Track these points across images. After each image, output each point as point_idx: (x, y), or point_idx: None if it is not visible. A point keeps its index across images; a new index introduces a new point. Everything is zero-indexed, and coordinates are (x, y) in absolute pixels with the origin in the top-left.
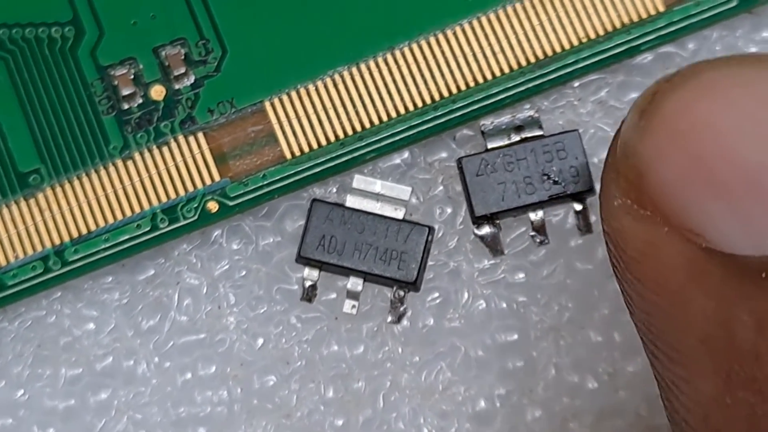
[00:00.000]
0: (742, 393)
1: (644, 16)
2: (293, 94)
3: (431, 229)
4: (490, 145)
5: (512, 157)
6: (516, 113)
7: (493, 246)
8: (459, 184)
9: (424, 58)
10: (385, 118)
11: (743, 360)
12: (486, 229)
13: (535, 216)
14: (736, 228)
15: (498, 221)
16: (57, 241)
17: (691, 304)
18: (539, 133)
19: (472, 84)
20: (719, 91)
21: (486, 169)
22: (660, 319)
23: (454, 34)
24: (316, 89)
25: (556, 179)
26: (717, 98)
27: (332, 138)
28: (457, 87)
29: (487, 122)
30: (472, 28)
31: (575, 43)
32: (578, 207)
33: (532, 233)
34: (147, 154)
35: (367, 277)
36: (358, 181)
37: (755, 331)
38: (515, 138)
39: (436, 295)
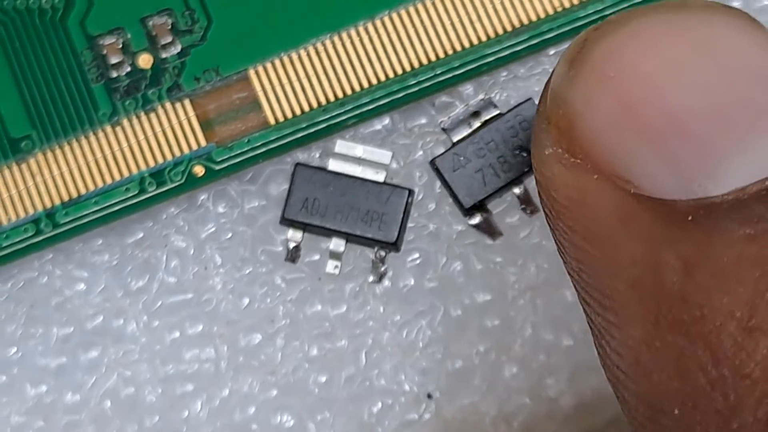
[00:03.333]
0: (670, 335)
1: None
2: (276, 62)
3: (411, 192)
4: (455, 139)
5: (480, 143)
6: (468, 101)
7: (490, 230)
8: (440, 147)
9: (404, 26)
10: (366, 84)
11: (671, 303)
12: (478, 218)
13: (519, 190)
14: (663, 172)
15: (487, 206)
16: (48, 204)
17: (621, 249)
18: (496, 112)
19: (450, 52)
20: (646, 37)
21: (460, 162)
22: (591, 266)
23: (433, 3)
24: (299, 57)
25: (528, 148)
26: (644, 44)
27: (314, 104)
28: (436, 54)
29: (444, 118)
30: None
31: (550, 11)
32: None
33: (522, 206)
34: (135, 121)
35: (349, 238)
36: (341, 146)
37: (682, 274)
38: (476, 124)
39: (416, 255)
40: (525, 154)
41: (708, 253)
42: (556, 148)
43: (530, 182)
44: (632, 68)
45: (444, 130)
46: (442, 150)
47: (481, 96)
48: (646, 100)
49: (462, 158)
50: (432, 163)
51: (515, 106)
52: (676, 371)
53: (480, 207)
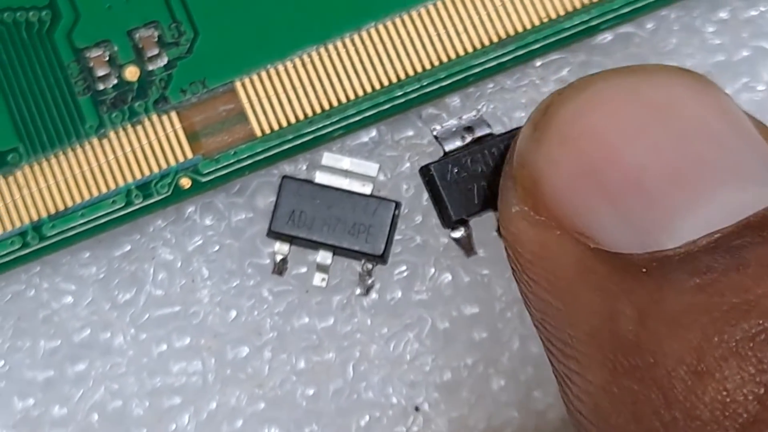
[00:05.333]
0: (626, 381)
1: None
2: (263, 74)
3: (398, 204)
4: (447, 148)
5: (477, 158)
6: (455, 113)
7: (467, 247)
8: (427, 159)
9: (390, 38)
10: (352, 96)
11: (626, 350)
12: (460, 232)
13: None
14: (620, 228)
15: (469, 222)
16: (35, 217)
17: (580, 300)
18: (488, 131)
19: (436, 63)
20: (606, 101)
21: (454, 173)
22: (553, 317)
23: (419, 14)
24: (285, 69)
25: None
26: (604, 108)
27: (301, 116)
28: (422, 66)
29: (438, 126)
30: (437, 9)
31: (536, 23)
32: None
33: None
34: (122, 133)
35: (336, 250)
36: (327, 158)
37: (636, 323)
38: (468, 138)
39: (404, 268)
40: None
41: (660, 303)
42: (522, 206)
43: None
44: (592, 131)
45: (436, 138)
46: (427, 161)
47: (473, 113)
48: (605, 161)
49: (456, 169)
50: (426, 168)
51: (512, 130)
52: (632, 415)
53: (465, 222)
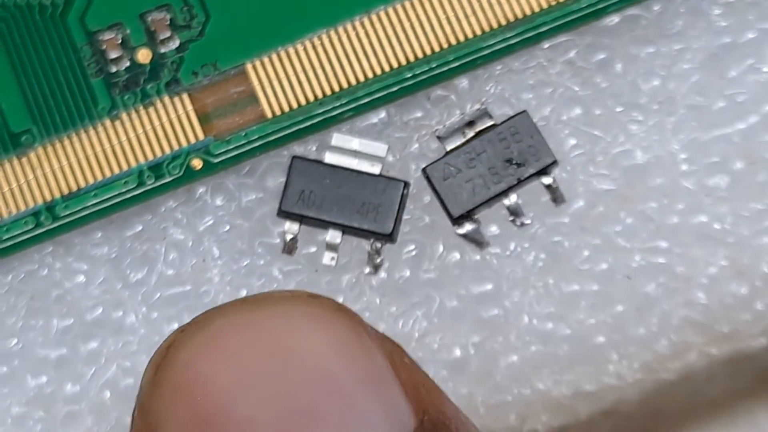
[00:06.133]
0: None
1: None
2: (273, 56)
3: (406, 184)
4: (448, 147)
5: (472, 154)
6: (464, 110)
7: (478, 240)
8: (435, 142)
9: (399, 21)
10: (362, 78)
11: None
12: (467, 227)
13: (509, 201)
14: None
15: (476, 216)
16: (48, 198)
17: None
18: (491, 123)
19: (445, 45)
20: (221, 343)
21: (451, 171)
22: None
23: None
24: (296, 51)
25: (519, 162)
26: (217, 351)
27: (311, 98)
28: (431, 48)
29: (440, 126)
30: None
31: (545, 5)
32: (546, 181)
33: (511, 218)
34: (134, 115)
35: (345, 229)
36: (337, 139)
37: None
38: (470, 134)
39: (412, 247)
40: (516, 167)
41: None
42: None
43: (522, 194)
44: (205, 378)
45: (438, 138)
46: (436, 144)
47: (477, 106)
48: (216, 412)
49: (453, 168)
50: (424, 170)
51: (508, 118)
52: None
53: (468, 217)
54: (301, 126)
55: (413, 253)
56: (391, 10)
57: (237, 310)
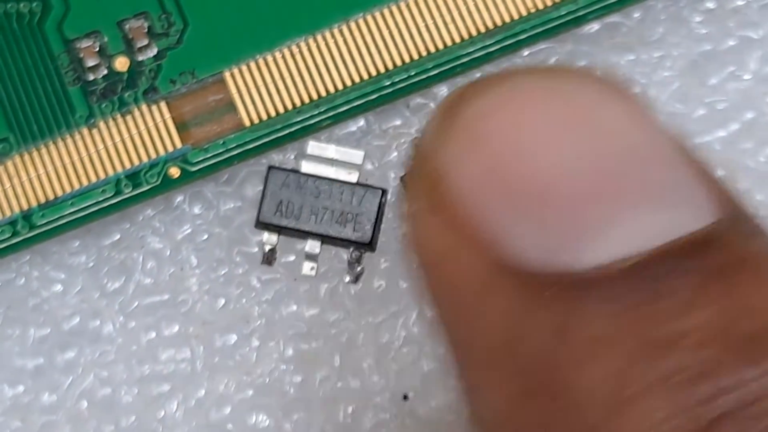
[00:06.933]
0: (533, 405)
1: None
2: (252, 64)
3: (384, 191)
4: None
5: None
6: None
7: None
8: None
9: (378, 28)
10: (340, 86)
11: (535, 372)
12: None
13: None
14: (528, 242)
15: None
16: (25, 206)
17: (484, 313)
18: None
19: (424, 53)
20: (522, 101)
21: None
22: (456, 326)
23: (407, 5)
24: (274, 59)
25: None
26: (519, 107)
27: (289, 106)
28: (410, 56)
29: (419, 134)
30: (425, 0)
31: (524, 12)
32: None
33: None
34: (111, 123)
35: (324, 239)
36: (312, 147)
37: (548, 344)
38: None
39: (391, 256)
40: None
41: (570, 326)
42: (421, 203)
43: None
44: (505, 131)
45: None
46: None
47: None
48: (516, 166)
49: None
50: (401, 179)
51: None
52: None
53: None
54: (280, 134)
55: (392, 261)
56: (369, 18)
57: (531, 74)
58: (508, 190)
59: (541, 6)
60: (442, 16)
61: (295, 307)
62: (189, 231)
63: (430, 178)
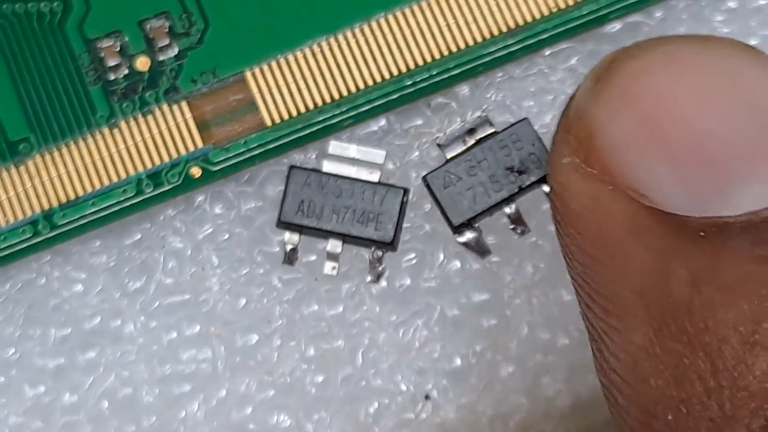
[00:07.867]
0: (671, 343)
1: None
2: (273, 63)
3: (406, 191)
4: (449, 155)
5: (472, 162)
6: (464, 118)
7: (479, 249)
8: (435, 149)
9: (400, 28)
10: (362, 86)
11: (676, 312)
12: (467, 235)
13: (510, 209)
14: (678, 189)
15: (476, 224)
16: (46, 206)
17: (630, 257)
18: (491, 130)
19: (446, 53)
20: (673, 64)
21: (451, 179)
22: (597, 272)
23: (429, 4)
24: (295, 59)
25: (520, 169)
26: (670, 69)
27: (311, 105)
28: (432, 56)
29: (441, 134)
30: (446, 0)
31: (545, 12)
32: (547, 189)
33: (512, 226)
34: (132, 123)
35: (345, 239)
36: (334, 146)
37: (690, 286)
38: (471, 141)
39: (413, 255)
40: (517, 175)
41: (717, 269)
42: (574, 157)
43: (521, 203)
44: (657, 90)
45: (439, 146)
46: (437, 152)
47: (478, 113)
48: (669, 121)
49: (453, 176)
50: (424, 178)
51: (509, 126)
52: (673, 378)
53: (469, 225)
54: (301, 134)
55: (414, 261)
56: (391, 17)
57: (679, 41)
58: (661, 142)
59: (563, 5)
60: (463, 15)
61: (316, 307)
62: (210, 231)
63: (582, 133)
